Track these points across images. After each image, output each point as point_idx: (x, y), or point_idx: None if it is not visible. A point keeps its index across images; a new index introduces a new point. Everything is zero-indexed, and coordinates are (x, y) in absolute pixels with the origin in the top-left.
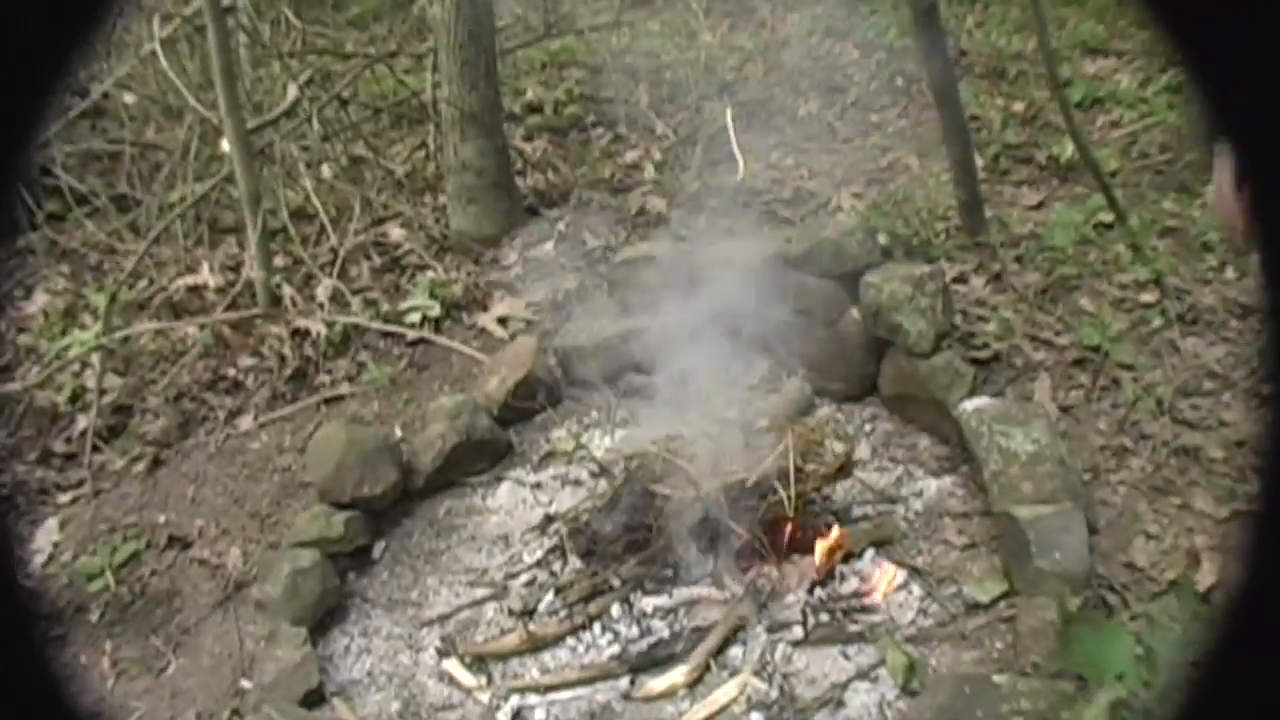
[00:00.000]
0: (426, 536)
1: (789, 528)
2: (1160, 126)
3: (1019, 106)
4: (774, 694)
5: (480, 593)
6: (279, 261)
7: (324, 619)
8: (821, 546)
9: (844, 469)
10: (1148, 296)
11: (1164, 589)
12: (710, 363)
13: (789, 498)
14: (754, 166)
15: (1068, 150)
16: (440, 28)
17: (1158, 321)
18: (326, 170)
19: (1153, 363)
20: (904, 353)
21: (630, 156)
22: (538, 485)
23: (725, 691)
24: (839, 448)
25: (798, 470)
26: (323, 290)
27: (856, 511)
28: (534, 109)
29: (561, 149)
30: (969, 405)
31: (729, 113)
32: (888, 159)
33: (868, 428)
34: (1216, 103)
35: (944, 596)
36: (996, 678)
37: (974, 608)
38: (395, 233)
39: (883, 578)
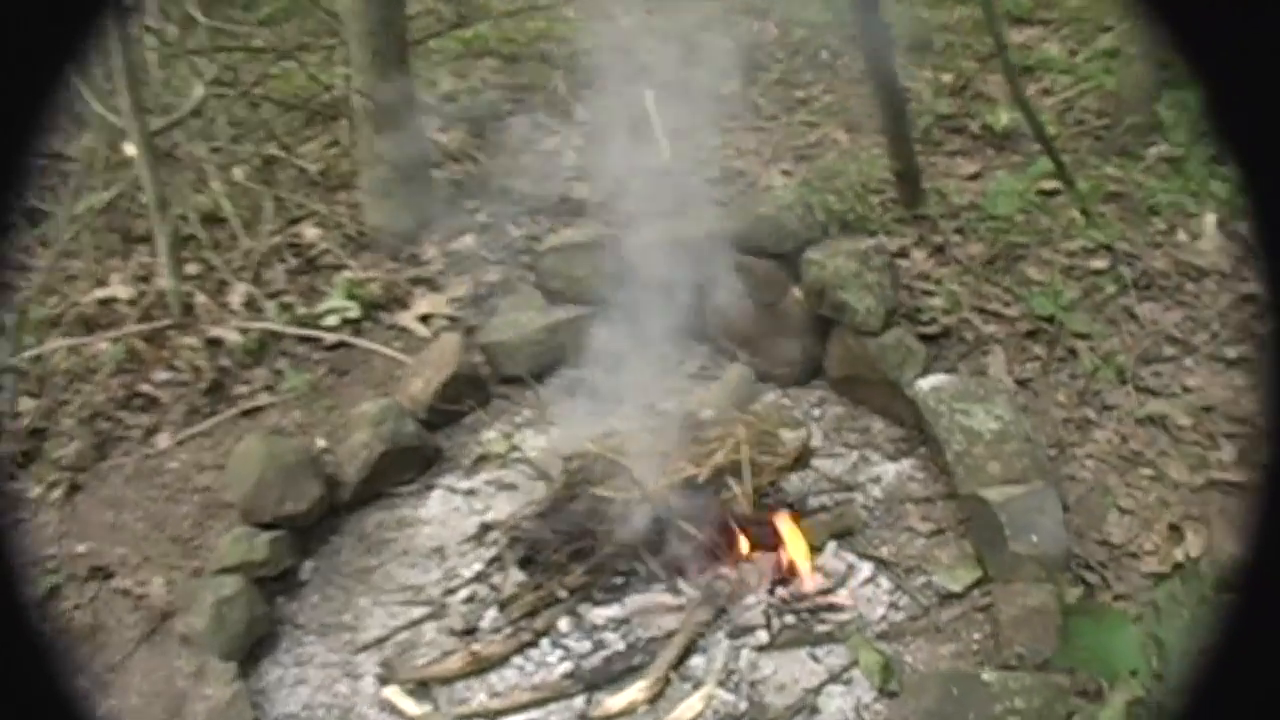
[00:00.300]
0: (357, 554)
1: (745, 525)
2: (1095, 92)
3: (948, 78)
4: (742, 705)
5: (418, 612)
6: (191, 269)
7: (254, 650)
8: (784, 541)
9: (801, 459)
10: (1098, 263)
11: (1168, 572)
12: (646, 352)
13: (744, 493)
14: (678, 148)
15: (1003, 118)
16: (350, 16)
17: (1110, 288)
18: (238, 172)
19: (1109, 331)
20: (851, 332)
21: (550, 144)
22: (471, 492)
23: (689, 706)
24: (793, 436)
25: (751, 463)
26: (236, 296)
27: (813, 502)
28: (449, 100)
29: (479, 139)
30: (925, 384)
31: (650, 95)
32: (815, 135)
33: (816, 412)
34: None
35: (914, 587)
36: (985, 675)
37: (947, 598)
38: (310, 232)
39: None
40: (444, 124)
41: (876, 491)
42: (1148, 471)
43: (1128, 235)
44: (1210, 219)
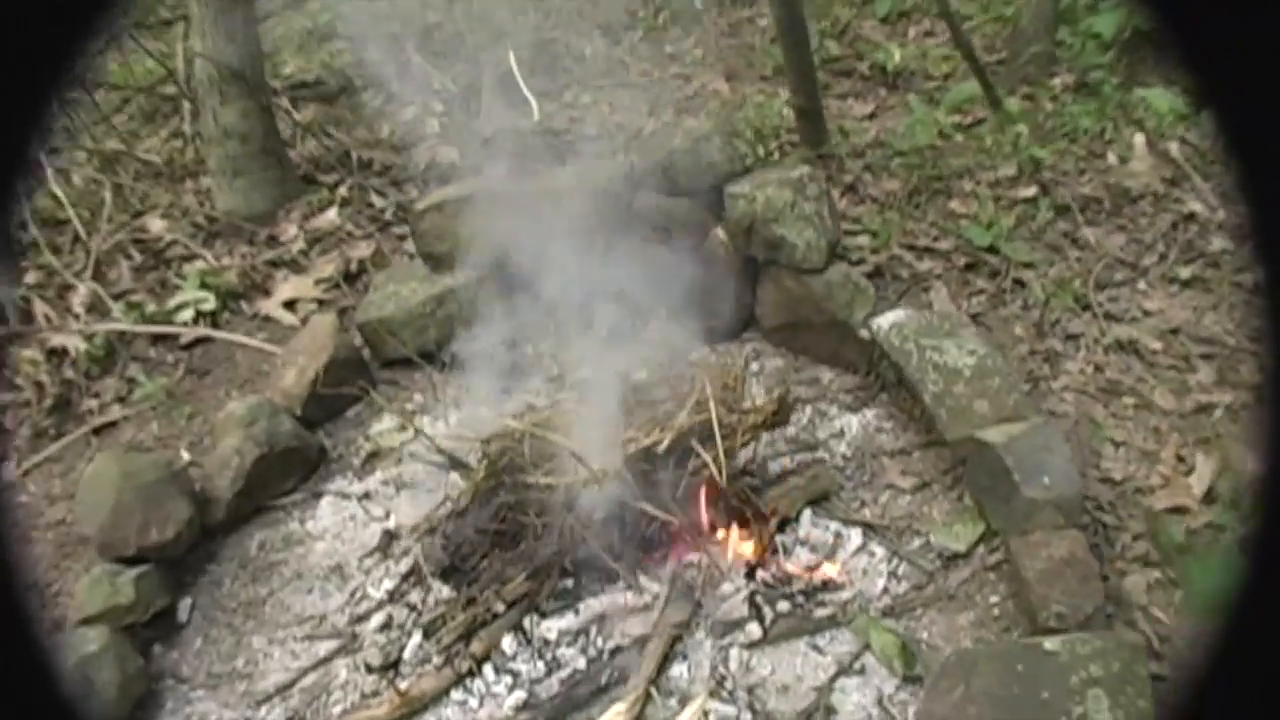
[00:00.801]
0: (241, 583)
1: (713, 500)
2: (992, 26)
3: (826, 24)
4: (744, 716)
5: (324, 647)
6: (30, 278)
7: (134, 714)
8: (757, 515)
9: (780, 414)
10: (1026, 191)
11: (1187, 506)
12: (549, 317)
13: (716, 460)
14: (548, 108)
15: (895, 56)
16: None
17: (1045, 215)
18: (78, 171)
19: (1052, 258)
20: (789, 272)
21: (408, 113)
22: (367, 495)
23: None
24: (758, 391)
25: (721, 425)
26: (78, 299)
27: (774, 467)
28: (298, 83)
29: (332, 113)
30: (884, 321)
31: (512, 57)
32: (693, 87)
33: (754, 367)
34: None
35: (911, 552)
36: (1048, 644)
37: (951, 560)
38: (156, 224)
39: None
40: (293, 101)
41: (843, 448)
42: (1131, 400)
43: (1053, 162)
44: (1140, 139)
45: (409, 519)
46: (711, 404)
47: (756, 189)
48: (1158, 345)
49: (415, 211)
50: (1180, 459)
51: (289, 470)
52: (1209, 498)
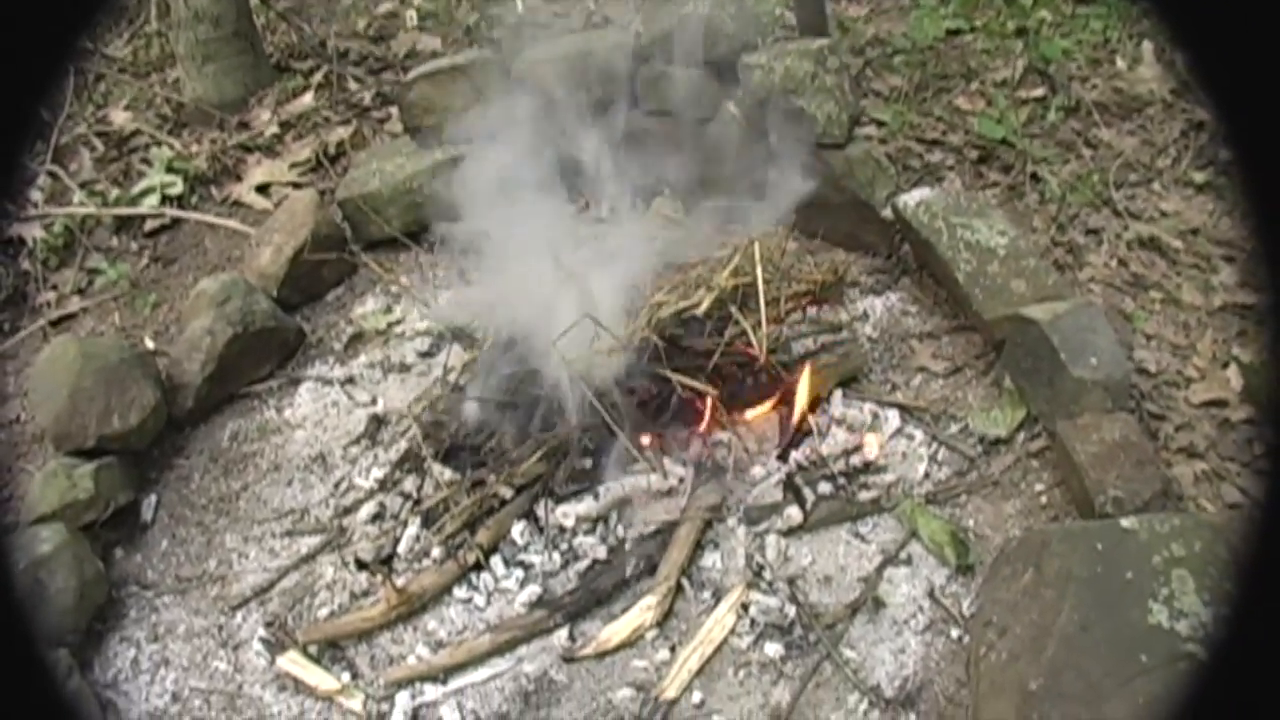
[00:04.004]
0: (211, 477)
1: (748, 376)
2: None
3: None
4: (788, 609)
5: (307, 544)
6: None
7: (92, 626)
8: (802, 388)
9: (832, 285)
10: (1034, 91)
11: (1225, 399)
12: (544, 195)
13: (756, 327)
14: (532, 2)
15: None
16: None
17: (1055, 114)
18: None
19: (1065, 155)
20: (809, 147)
21: (385, 7)
22: (350, 380)
23: (718, 621)
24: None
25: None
26: (37, 187)
27: (797, 348)
28: None
29: (306, 4)
30: (910, 199)
31: None
32: None
33: None
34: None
35: (951, 437)
36: (1126, 522)
37: (993, 445)
38: (119, 116)
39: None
40: None
41: (868, 330)
42: (1158, 295)
43: (1060, 64)
44: (1148, 46)
45: (397, 403)
46: (758, 267)
47: (775, 59)
48: (1179, 244)
49: (404, 82)
50: (1214, 355)
51: (265, 354)
52: (1246, 393)
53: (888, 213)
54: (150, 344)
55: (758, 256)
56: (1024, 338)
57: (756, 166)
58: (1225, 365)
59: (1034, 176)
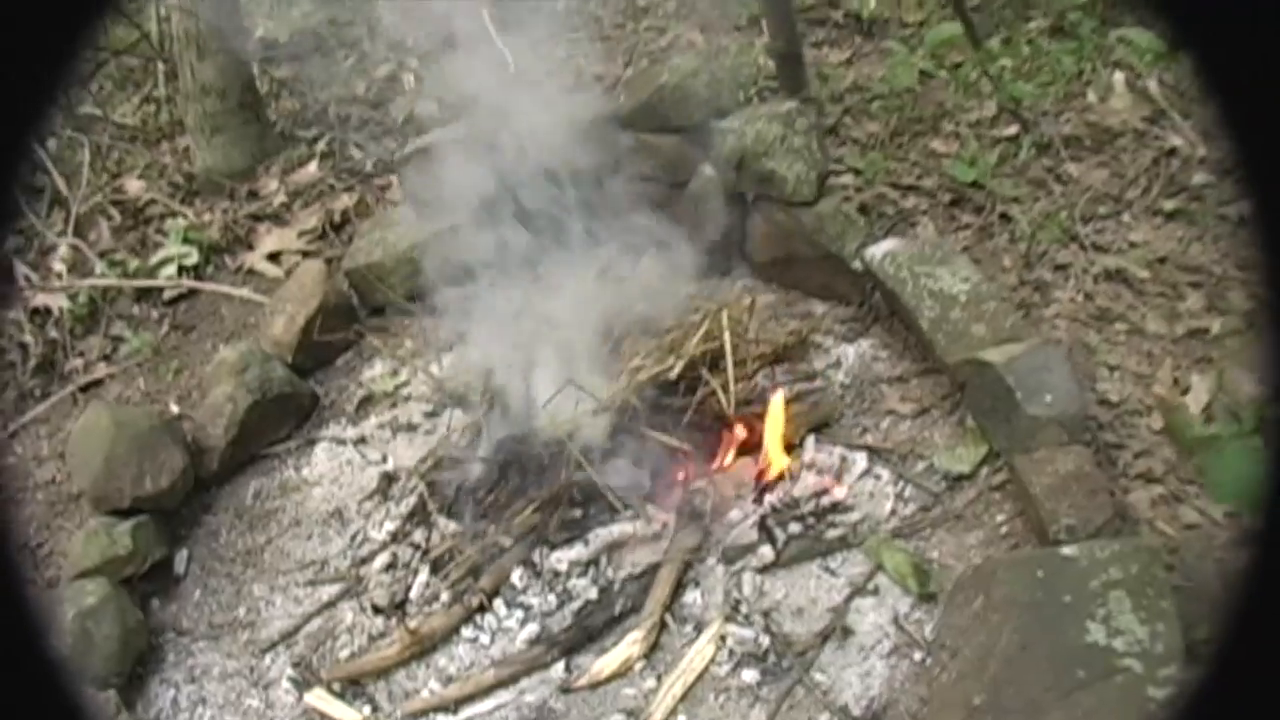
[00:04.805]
0: (238, 532)
1: (720, 428)
2: None
3: None
4: (762, 639)
5: (327, 592)
6: (8, 243)
7: (135, 669)
8: (769, 436)
9: (801, 344)
10: (1008, 130)
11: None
12: (539, 257)
13: (724, 387)
14: (523, 62)
15: (870, 4)
16: None
17: (1025, 153)
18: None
19: (1036, 193)
20: (780, 206)
21: (383, 71)
22: (362, 440)
23: (699, 651)
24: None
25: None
26: (59, 258)
27: (774, 398)
28: (270, 44)
29: (308, 72)
30: (877, 251)
31: (485, 12)
32: (666, 39)
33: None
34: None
35: (916, 475)
36: (1066, 550)
37: (956, 481)
38: (133, 185)
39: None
40: (266, 62)
41: (841, 376)
42: (1123, 326)
43: (1033, 101)
44: (1119, 77)
45: (406, 461)
46: (725, 333)
47: (746, 124)
48: (1146, 274)
49: (402, 156)
50: (1175, 381)
51: (283, 417)
52: (1207, 416)
53: (858, 264)
54: (175, 409)
55: (725, 323)
56: (983, 380)
57: (734, 226)
58: (1185, 391)
59: (1004, 216)
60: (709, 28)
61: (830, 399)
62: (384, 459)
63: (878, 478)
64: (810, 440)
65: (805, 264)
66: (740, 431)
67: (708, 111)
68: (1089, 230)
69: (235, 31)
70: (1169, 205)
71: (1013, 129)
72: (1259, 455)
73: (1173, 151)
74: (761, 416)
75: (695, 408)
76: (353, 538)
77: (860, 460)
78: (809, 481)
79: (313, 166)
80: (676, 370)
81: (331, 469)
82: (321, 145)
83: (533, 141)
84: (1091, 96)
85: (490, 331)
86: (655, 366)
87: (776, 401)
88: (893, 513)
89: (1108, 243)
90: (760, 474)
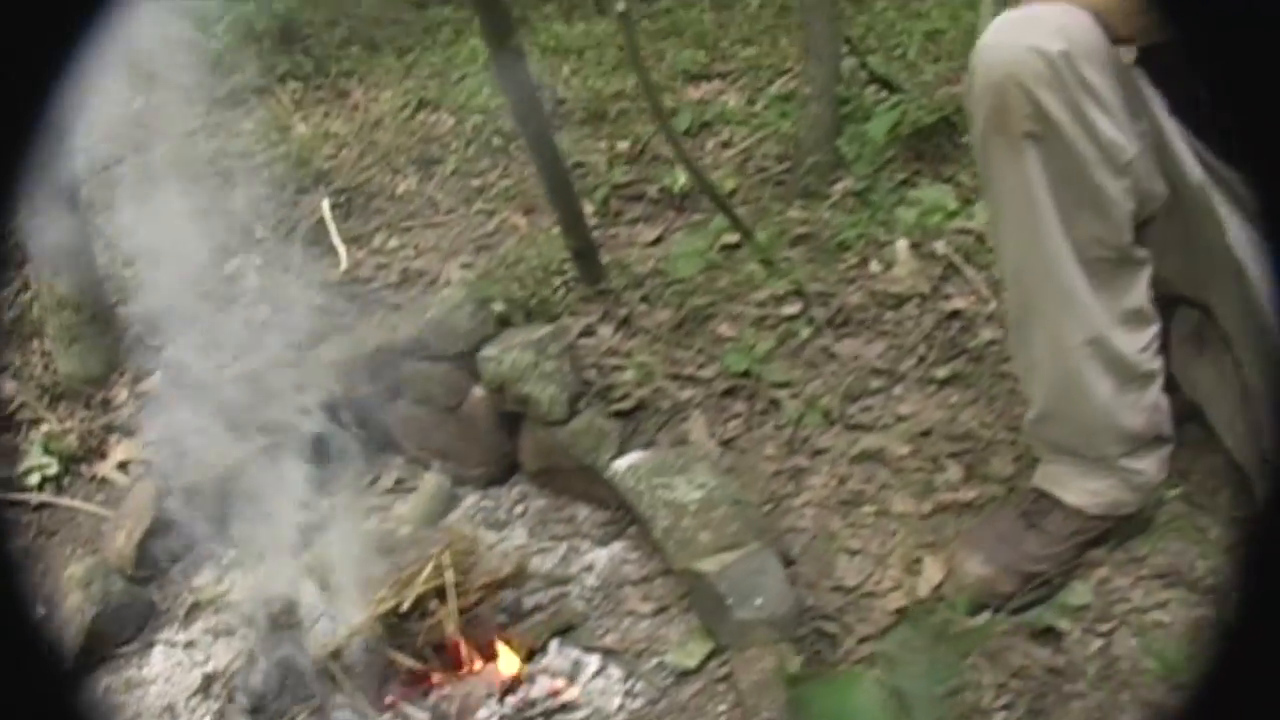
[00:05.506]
0: None
1: (458, 645)
2: (774, 138)
3: (624, 145)
4: None
5: None
6: None
7: None
8: (504, 652)
9: (516, 576)
10: (790, 309)
11: (893, 619)
12: (341, 472)
13: (450, 616)
14: (357, 255)
15: (680, 180)
16: None
17: (805, 332)
18: None
19: (810, 375)
20: (539, 424)
21: (231, 266)
22: (190, 644)
23: None
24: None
25: (457, 585)
26: None
27: (529, 602)
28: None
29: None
30: (621, 464)
31: (325, 203)
32: (494, 223)
33: (519, 509)
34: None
35: (647, 671)
36: None
37: (684, 675)
38: (8, 386)
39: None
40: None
41: (591, 580)
42: (870, 508)
43: (820, 275)
44: (902, 244)
45: (221, 664)
46: (447, 571)
47: (503, 352)
48: (906, 450)
49: (223, 382)
50: (914, 561)
51: (125, 623)
52: (937, 597)
53: (609, 473)
54: (41, 610)
55: (448, 560)
56: (701, 585)
57: (504, 440)
58: (919, 572)
59: (773, 402)
60: (534, 210)
61: (571, 606)
62: (206, 661)
63: (609, 676)
64: (555, 644)
65: (568, 474)
66: (473, 650)
67: (472, 340)
68: (856, 409)
69: (87, 249)
70: (943, 372)
71: (796, 307)
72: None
73: (955, 314)
74: (508, 625)
75: (432, 630)
76: None
77: (595, 661)
78: (544, 685)
79: (158, 377)
80: (406, 605)
81: (165, 669)
82: (167, 354)
83: (336, 366)
84: (875, 267)
85: (290, 547)
86: (392, 599)
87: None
88: (621, 707)
89: (874, 420)
90: (501, 681)
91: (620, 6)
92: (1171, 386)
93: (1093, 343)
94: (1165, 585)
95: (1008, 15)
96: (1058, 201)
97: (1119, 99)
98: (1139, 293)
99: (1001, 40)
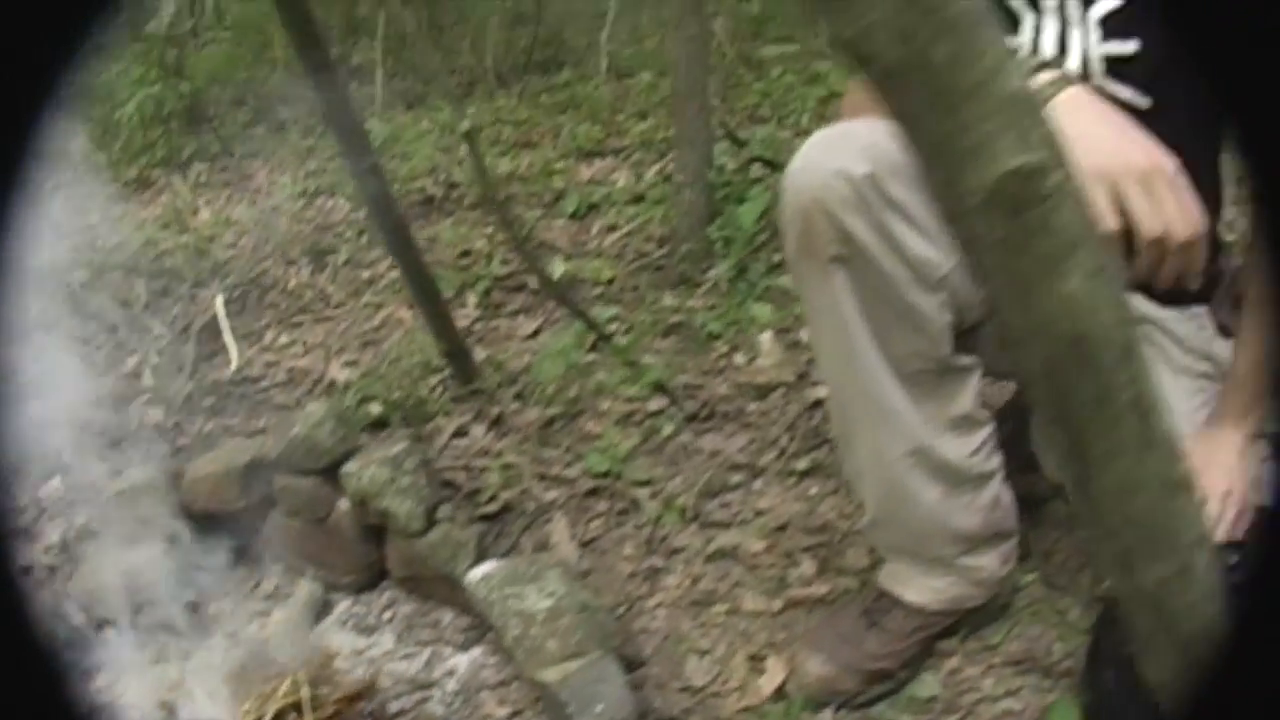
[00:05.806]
0: None
1: None
2: (657, 220)
3: (501, 235)
4: None
5: None
6: None
7: None
8: None
9: (365, 693)
10: (655, 404)
11: (758, 704)
12: (226, 579)
13: None
14: (249, 353)
15: (559, 269)
16: None
17: (669, 428)
18: None
19: (670, 471)
20: (400, 535)
21: (130, 364)
22: None
23: None
24: (357, 673)
25: (313, 699)
26: None
27: (393, 708)
28: None
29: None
30: (475, 574)
31: (219, 299)
32: (380, 317)
33: (388, 614)
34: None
35: None
36: None
37: None
38: None
39: None
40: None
41: (452, 684)
42: (723, 607)
43: (687, 366)
44: (766, 335)
45: None
46: (303, 687)
47: (362, 469)
48: (761, 546)
49: (110, 495)
50: (759, 660)
51: None
52: (778, 697)
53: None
54: None
55: (302, 678)
56: (545, 693)
57: (371, 550)
58: (762, 672)
59: (634, 502)
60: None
61: (427, 713)
62: None
63: None
64: None
65: (430, 581)
66: None
67: (334, 455)
68: (714, 505)
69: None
70: (804, 464)
71: (662, 403)
72: None
73: (818, 403)
74: None
75: None
76: None
77: None
78: None
79: (57, 481)
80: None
81: None
82: (66, 457)
83: (210, 478)
84: (739, 359)
85: (176, 652)
86: (255, 712)
87: None
88: None
89: (730, 516)
90: None
91: (464, 125)
92: (1031, 466)
93: (915, 453)
94: (1018, 672)
95: (819, 135)
96: (870, 321)
97: (932, 212)
98: (965, 399)
99: (808, 164)
